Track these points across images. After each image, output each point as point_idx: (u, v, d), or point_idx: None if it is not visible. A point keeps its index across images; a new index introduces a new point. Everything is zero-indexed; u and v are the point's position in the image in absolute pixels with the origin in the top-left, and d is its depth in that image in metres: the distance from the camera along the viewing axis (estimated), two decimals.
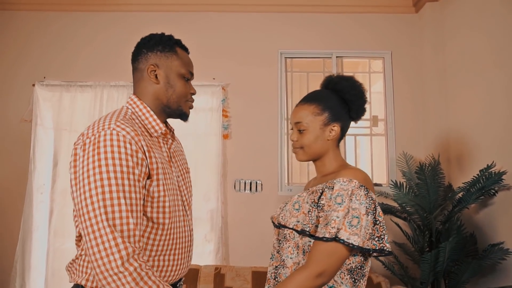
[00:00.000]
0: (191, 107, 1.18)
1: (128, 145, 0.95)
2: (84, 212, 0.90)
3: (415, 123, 3.06)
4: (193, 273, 2.49)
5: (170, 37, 1.15)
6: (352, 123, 1.27)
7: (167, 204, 1.03)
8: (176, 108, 1.13)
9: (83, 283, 1.00)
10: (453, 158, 2.76)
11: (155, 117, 1.10)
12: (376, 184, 3.07)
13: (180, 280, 1.15)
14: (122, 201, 0.90)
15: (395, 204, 2.64)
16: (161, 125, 1.11)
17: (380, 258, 2.61)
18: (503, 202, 2.22)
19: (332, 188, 1.07)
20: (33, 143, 3.02)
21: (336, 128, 1.18)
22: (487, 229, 2.35)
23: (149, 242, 1.01)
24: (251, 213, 2.98)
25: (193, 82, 3.32)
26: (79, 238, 1.05)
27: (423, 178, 2.33)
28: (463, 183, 2.30)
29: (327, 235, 1.01)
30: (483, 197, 2.28)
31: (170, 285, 1.07)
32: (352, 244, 0.99)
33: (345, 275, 1.07)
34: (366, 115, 3.21)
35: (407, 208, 2.50)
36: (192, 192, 1.26)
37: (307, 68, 3.36)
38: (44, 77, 3.13)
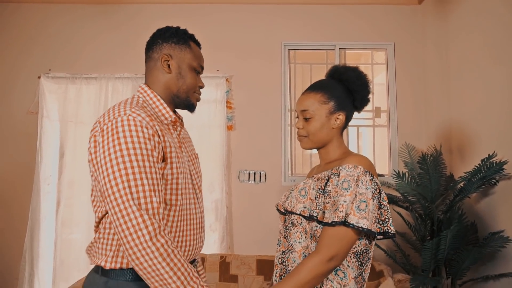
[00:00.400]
0: (198, 100, 1.22)
1: (145, 129, 0.99)
2: (109, 194, 0.94)
3: (417, 114, 3.09)
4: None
5: (185, 31, 1.20)
6: (355, 114, 1.30)
7: (179, 186, 1.07)
8: (184, 99, 1.17)
9: (102, 264, 1.05)
10: (455, 148, 2.79)
11: (165, 105, 1.14)
12: (378, 175, 3.10)
13: (194, 261, 1.19)
14: (145, 181, 0.95)
15: (397, 194, 2.68)
16: (171, 113, 1.15)
17: (382, 247, 2.66)
18: (504, 192, 2.25)
19: (338, 175, 1.10)
20: (40, 135, 3.06)
21: (341, 117, 1.20)
22: (488, 218, 2.39)
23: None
24: (255, 203, 3.03)
25: None
26: (97, 222, 1.09)
27: (425, 168, 2.37)
28: (464, 172, 2.33)
29: (336, 219, 1.04)
30: (484, 186, 2.31)
31: None
32: (361, 227, 1.02)
33: (351, 259, 1.10)
34: (369, 106, 3.23)
35: (409, 198, 2.54)
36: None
37: (310, 60, 3.38)
38: (50, 70, 3.16)
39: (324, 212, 1.10)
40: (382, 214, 1.08)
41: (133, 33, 3.18)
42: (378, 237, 1.11)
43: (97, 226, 1.10)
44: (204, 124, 3.08)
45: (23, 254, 2.93)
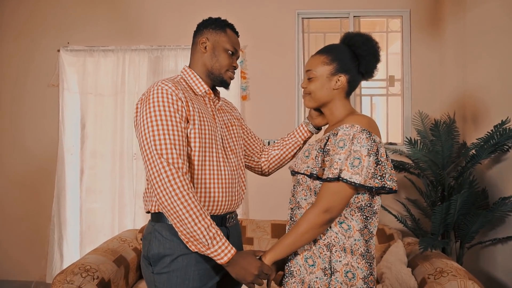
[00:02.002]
0: (232, 78, 1.39)
1: (170, 96, 1.20)
2: (143, 151, 1.18)
3: (431, 83, 3.08)
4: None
5: (224, 20, 1.39)
6: (369, 83, 1.35)
7: (201, 145, 1.25)
8: (218, 75, 1.35)
9: (150, 208, 1.28)
10: (469, 116, 2.79)
11: (200, 79, 1.34)
12: (391, 143, 3.15)
13: (227, 214, 1.33)
14: (166, 137, 1.16)
15: (409, 161, 2.73)
16: (205, 86, 1.34)
17: (394, 213, 2.73)
18: None
19: (336, 134, 1.17)
20: (61, 107, 3.18)
21: (342, 78, 1.25)
22: (499, 184, 2.42)
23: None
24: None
25: None
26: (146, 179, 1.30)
27: (437, 135, 2.40)
28: (476, 139, 2.35)
29: (330, 176, 1.11)
30: (496, 153, 2.34)
31: (217, 216, 1.28)
32: (354, 182, 1.10)
33: (355, 213, 1.18)
34: (383, 75, 3.26)
35: (420, 164, 2.59)
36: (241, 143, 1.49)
37: (324, 29, 3.36)
38: (68, 43, 3.24)
39: (323, 170, 1.17)
40: (380, 170, 1.13)
41: (149, 5, 3.20)
42: (381, 191, 1.17)
43: (147, 179, 1.28)
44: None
45: (52, 219, 3.13)
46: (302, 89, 1.33)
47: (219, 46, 1.34)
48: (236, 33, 1.42)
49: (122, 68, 3.17)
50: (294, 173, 1.31)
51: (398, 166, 2.71)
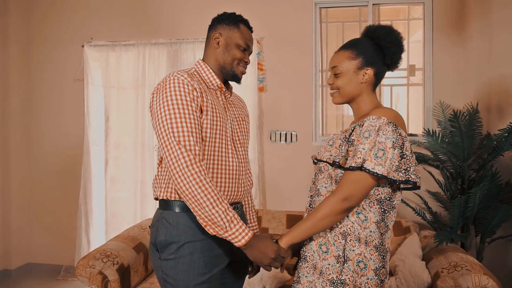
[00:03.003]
0: (243, 72, 1.41)
1: (185, 86, 1.24)
2: (160, 138, 1.22)
3: (454, 72, 2.96)
4: None
5: (238, 16, 1.41)
6: (388, 73, 1.34)
7: (211, 135, 1.29)
8: (229, 70, 1.37)
9: (159, 194, 1.32)
10: (494, 107, 2.68)
11: (213, 74, 1.37)
12: (411, 134, 3.08)
13: (232, 204, 1.35)
14: (184, 124, 1.20)
15: (428, 153, 2.66)
16: (217, 80, 1.37)
17: (412, 205, 2.69)
18: None
19: (362, 125, 1.18)
20: (86, 100, 3.32)
21: (369, 72, 1.25)
22: None
23: None
24: (286, 163, 3.14)
25: None
26: (159, 161, 1.36)
27: (456, 126, 2.32)
28: (499, 130, 2.27)
29: (353, 164, 1.12)
30: None
31: None
32: (376, 173, 1.10)
33: (374, 205, 1.18)
34: (403, 65, 3.17)
35: (440, 156, 2.52)
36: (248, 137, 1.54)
37: (343, 18, 3.30)
38: (92, 38, 3.36)
39: (346, 159, 1.18)
40: (404, 164, 1.13)
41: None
42: (401, 186, 1.16)
43: (159, 165, 1.35)
44: (235, 86, 3.13)
45: (79, 207, 3.30)
46: (329, 86, 1.33)
47: (232, 41, 1.36)
48: (250, 28, 1.43)
49: (142, 61, 3.26)
50: (316, 161, 1.33)
51: (417, 158, 2.65)
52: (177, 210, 1.28)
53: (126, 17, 3.34)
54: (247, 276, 1.45)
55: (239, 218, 1.19)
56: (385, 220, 1.19)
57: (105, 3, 3.37)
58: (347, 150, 1.20)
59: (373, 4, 3.09)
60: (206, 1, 3.22)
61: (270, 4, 3.16)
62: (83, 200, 3.30)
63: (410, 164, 1.13)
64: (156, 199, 1.35)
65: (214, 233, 1.17)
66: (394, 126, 1.14)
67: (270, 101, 3.18)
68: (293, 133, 3.15)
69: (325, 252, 1.20)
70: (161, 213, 1.31)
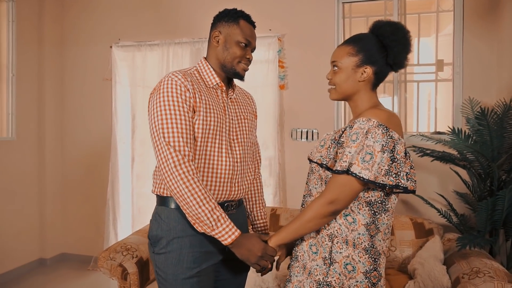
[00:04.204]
0: (246, 69, 1.39)
1: (178, 87, 1.26)
2: (152, 138, 1.26)
3: (487, 66, 2.79)
4: None
5: (239, 11, 1.39)
6: (416, 69, 1.28)
7: (204, 135, 1.30)
8: (230, 68, 1.37)
9: (152, 190, 1.38)
10: None
11: (213, 72, 1.38)
12: (438, 133, 2.94)
13: (225, 202, 1.36)
14: (174, 125, 1.23)
15: (455, 152, 2.54)
16: (216, 78, 1.37)
17: (437, 206, 2.57)
18: None
19: (352, 127, 1.14)
20: (114, 99, 3.45)
21: (368, 70, 1.20)
22: None
23: None
24: (307, 161, 3.09)
25: None
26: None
27: (484, 124, 2.19)
28: None
29: (338, 168, 1.10)
30: None
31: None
32: (362, 177, 1.07)
33: (363, 207, 1.15)
34: (431, 59, 3.03)
35: (467, 156, 2.39)
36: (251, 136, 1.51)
37: (367, 13, 3.20)
38: (119, 39, 3.48)
39: (335, 161, 1.16)
40: (395, 168, 1.09)
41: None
42: (395, 190, 1.12)
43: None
44: (257, 84, 3.16)
45: (107, 202, 3.44)
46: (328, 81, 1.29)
47: (231, 38, 1.35)
48: (252, 23, 1.41)
49: (166, 61, 3.34)
50: (309, 161, 1.31)
51: (444, 157, 2.54)
52: (170, 206, 1.32)
53: (151, 17, 3.43)
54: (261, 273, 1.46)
55: (226, 217, 1.21)
56: (376, 222, 1.16)
57: (131, 5, 3.48)
58: (337, 152, 1.17)
59: None
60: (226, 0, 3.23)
61: (292, 1, 3.13)
62: (110, 195, 3.44)
63: (401, 168, 1.09)
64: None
65: (202, 231, 1.21)
66: (385, 128, 1.10)
67: (291, 98, 3.15)
68: (314, 131, 3.11)
69: (315, 253, 1.19)
70: (156, 208, 1.36)
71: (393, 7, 3.00)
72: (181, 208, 1.22)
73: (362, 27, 3.16)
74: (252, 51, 1.41)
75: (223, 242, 1.20)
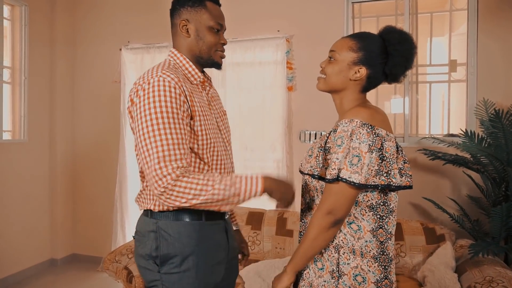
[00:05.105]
0: (223, 57, 1.27)
1: (172, 89, 1.09)
2: (141, 147, 1.08)
3: (502, 66, 2.70)
4: (258, 216, 2.71)
5: None
6: (428, 69, 1.22)
7: (211, 141, 1.19)
8: (208, 58, 1.24)
9: (151, 208, 1.18)
10: None
11: (193, 66, 1.23)
12: (451, 135, 2.85)
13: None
14: (169, 136, 1.06)
15: (468, 155, 2.45)
16: (200, 73, 1.24)
17: (449, 211, 2.49)
18: None
19: (336, 131, 1.09)
20: (122, 101, 3.46)
21: (362, 71, 1.15)
22: None
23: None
24: None
25: (257, 36, 3.33)
26: (142, 173, 1.22)
27: (498, 126, 2.11)
28: None
29: (329, 177, 1.05)
30: None
31: (217, 213, 1.18)
32: (353, 182, 1.02)
33: (366, 212, 1.10)
34: (444, 59, 2.95)
35: (481, 159, 2.31)
36: (231, 132, 1.42)
37: (378, 12, 3.14)
38: (128, 42, 3.50)
39: (326, 169, 1.11)
40: (385, 166, 1.04)
41: None
42: (392, 188, 1.07)
43: (142, 177, 1.22)
44: (265, 85, 3.14)
45: (115, 202, 3.46)
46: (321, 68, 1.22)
47: (202, 26, 1.21)
48: (218, 2, 1.26)
49: None
50: (301, 173, 1.25)
51: (456, 161, 2.46)
52: (181, 220, 1.17)
53: (160, 19, 3.43)
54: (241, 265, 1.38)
55: (234, 175, 1.10)
56: (384, 226, 1.10)
57: (140, 8, 3.50)
58: (325, 159, 1.12)
59: None
60: (234, 2, 3.21)
61: (300, 1, 3.09)
62: (118, 197, 3.45)
63: (391, 166, 1.05)
64: (146, 210, 1.21)
65: (233, 207, 1.11)
66: (370, 127, 1.05)
67: (300, 100, 3.11)
68: (323, 133, 3.06)
69: (321, 269, 1.14)
70: (156, 223, 1.17)
71: (404, 7, 2.93)
72: (201, 207, 1.09)
73: (372, 28, 3.09)
74: (223, 32, 1.27)
75: (258, 196, 1.10)
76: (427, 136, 2.87)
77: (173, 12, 1.26)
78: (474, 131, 2.26)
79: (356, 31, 3.09)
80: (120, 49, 3.49)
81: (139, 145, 1.09)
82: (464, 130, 2.29)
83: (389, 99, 3.24)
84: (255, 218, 2.71)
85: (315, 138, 3.06)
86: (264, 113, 3.15)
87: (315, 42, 3.06)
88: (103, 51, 3.62)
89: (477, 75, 2.75)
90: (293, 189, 1.14)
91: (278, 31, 3.11)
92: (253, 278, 2.26)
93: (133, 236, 1.27)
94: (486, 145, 2.22)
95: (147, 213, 1.20)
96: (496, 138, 2.20)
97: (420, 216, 2.81)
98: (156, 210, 1.17)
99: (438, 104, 3.13)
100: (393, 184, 1.05)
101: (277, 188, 1.11)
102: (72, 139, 3.76)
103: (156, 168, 1.04)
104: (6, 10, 3.29)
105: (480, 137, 2.25)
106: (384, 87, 2.95)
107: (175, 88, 1.09)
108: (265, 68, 3.12)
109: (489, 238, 2.27)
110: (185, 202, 1.06)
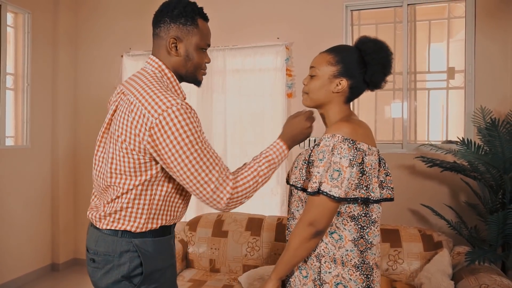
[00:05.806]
0: (204, 74, 1.26)
1: (194, 115, 1.09)
2: (186, 175, 1.07)
3: (500, 74, 2.72)
4: (258, 222, 2.73)
5: (193, 7, 1.18)
6: (426, 77, 1.25)
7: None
8: (191, 77, 1.22)
9: (131, 229, 1.13)
10: None
11: (180, 85, 1.21)
12: (450, 142, 2.87)
13: (175, 223, 1.28)
14: (205, 159, 1.08)
15: (466, 163, 2.47)
16: (184, 92, 1.22)
17: (447, 217, 2.51)
18: None
19: (319, 145, 1.13)
20: None
21: (343, 82, 1.18)
22: None
23: (173, 198, 1.20)
24: None
25: (257, 43, 3.36)
26: (123, 192, 1.12)
27: (495, 134, 2.13)
28: None
29: (309, 190, 1.09)
30: None
31: (168, 226, 1.21)
32: (333, 195, 1.06)
33: (348, 222, 1.13)
34: (442, 67, 2.97)
35: (478, 167, 2.33)
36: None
37: (377, 20, 3.17)
38: (130, 48, 3.54)
39: (309, 181, 1.14)
40: (365, 180, 1.08)
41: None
42: (373, 202, 1.10)
43: (120, 196, 1.13)
44: (264, 92, 3.17)
45: None
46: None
47: (192, 46, 1.17)
48: (207, 18, 1.23)
49: None
50: (287, 183, 1.30)
51: (454, 168, 2.48)
52: (152, 237, 1.16)
53: None
54: None
55: (265, 150, 1.21)
56: (365, 236, 1.13)
57: (142, 15, 3.54)
58: (309, 172, 1.16)
59: (408, 4, 2.93)
60: (235, 8, 3.25)
61: (299, 9, 3.12)
62: None
63: (371, 181, 1.08)
64: (116, 231, 1.15)
65: (279, 164, 1.23)
66: (351, 142, 1.08)
67: (299, 107, 3.13)
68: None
69: (305, 277, 1.17)
70: (131, 242, 1.13)
71: (402, 14, 2.96)
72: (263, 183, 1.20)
73: (371, 35, 3.11)
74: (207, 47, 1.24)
75: (287, 155, 1.24)
76: (425, 143, 2.89)
77: (160, 22, 1.18)
78: (471, 139, 2.29)
79: (355, 38, 3.12)
80: (122, 56, 3.53)
81: (178, 173, 1.07)
82: (461, 138, 2.31)
83: (389, 103, 3.27)
84: (255, 224, 2.73)
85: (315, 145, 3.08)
86: (263, 119, 3.17)
87: (314, 49, 3.04)
88: (105, 58, 3.66)
89: (475, 82, 2.77)
90: (302, 118, 1.26)
91: (278, 38, 3.15)
92: (252, 284, 2.27)
93: (91, 259, 1.18)
94: (483, 153, 2.24)
95: (118, 233, 1.14)
96: (493, 146, 2.22)
97: (418, 222, 2.83)
98: (137, 231, 1.13)
99: (437, 110, 3.15)
100: (372, 198, 1.09)
101: (295, 137, 1.25)
102: (74, 145, 3.80)
103: (213, 188, 1.09)
104: (9, 17, 3.33)
105: (477, 145, 2.27)
106: (383, 92, 2.97)
107: (195, 113, 1.09)
108: (265, 75, 3.15)
109: (487, 245, 2.29)
110: (250, 197, 1.17)
